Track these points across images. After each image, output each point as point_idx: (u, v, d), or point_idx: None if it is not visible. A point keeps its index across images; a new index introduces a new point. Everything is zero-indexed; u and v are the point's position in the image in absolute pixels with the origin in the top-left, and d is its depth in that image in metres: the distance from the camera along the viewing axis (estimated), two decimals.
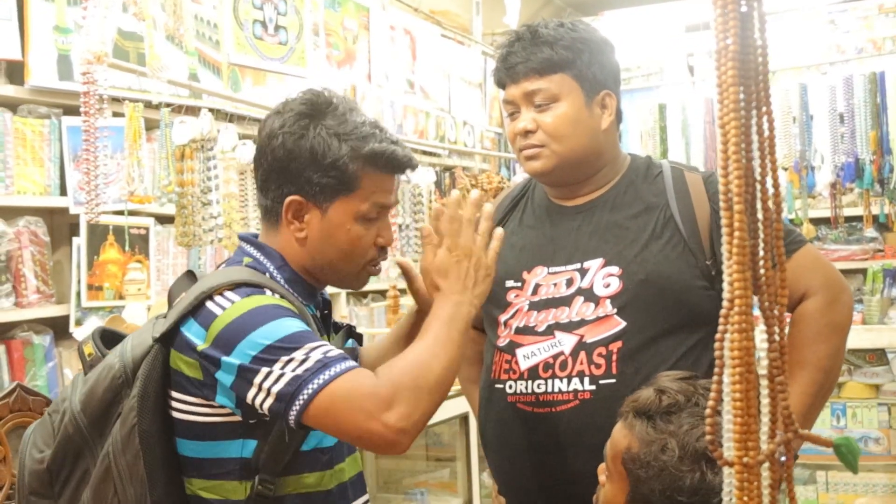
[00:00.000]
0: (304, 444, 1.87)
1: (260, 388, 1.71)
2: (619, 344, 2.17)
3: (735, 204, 1.02)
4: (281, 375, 1.70)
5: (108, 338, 2.00)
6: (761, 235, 1.06)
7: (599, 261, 2.24)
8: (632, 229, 2.26)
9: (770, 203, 1.06)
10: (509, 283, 2.33)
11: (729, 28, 1.00)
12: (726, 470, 1.03)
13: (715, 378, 1.04)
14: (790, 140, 5.44)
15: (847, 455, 1.10)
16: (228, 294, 1.80)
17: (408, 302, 4.42)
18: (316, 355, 1.71)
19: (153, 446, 1.81)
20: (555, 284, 2.27)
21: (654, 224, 2.24)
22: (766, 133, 1.04)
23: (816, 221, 6.00)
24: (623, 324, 2.18)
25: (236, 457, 1.84)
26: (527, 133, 2.29)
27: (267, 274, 1.91)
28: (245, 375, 1.73)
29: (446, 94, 5.49)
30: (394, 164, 1.93)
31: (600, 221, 2.30)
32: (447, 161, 5.85)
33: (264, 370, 1.71)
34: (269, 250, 1.94)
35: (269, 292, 1.82)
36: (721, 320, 1.03)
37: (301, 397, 1.69)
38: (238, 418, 1.81)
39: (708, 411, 1.03)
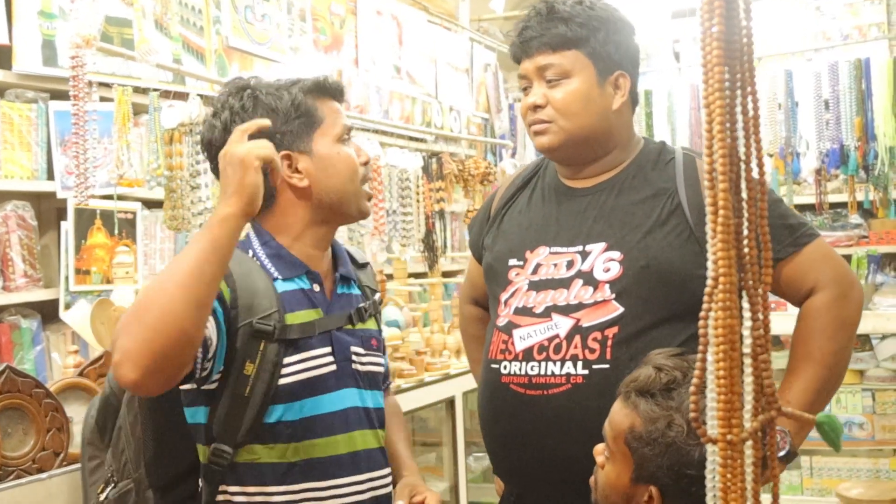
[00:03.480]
0: (267, 417, 1.94)
1: None
2: (614, 329, 2.16)
3: (719, 183, 1.03)
4: None
5: None
6: (745, 215, 1.07)
7: (602, 244, 2.24)
8: (637, 215, 2.25)
9: (755, 182, 1.07)
10: (512, 262, 2.34)
11: (714, 9, 1.02)
12: (710, 447, 1.04)
13: (699, 356, 1.05)
14: (775, 126, 5.46)
15: (830, 433, 1.11)
16: None
17: (395, 287, 4.43)
18: None
19: (150, 410, 1.96)
20: (555, 265, 2.27)
21: (661, 210, 2.23)
22: (751, 113, 1.06)
23: (801, 208, 6.02)
24: (620, 309, 2.17)
25: (201, 423, 1.96)
26: (536, 108, 2.29)
27: (250, 251, 2.01)
28: None
29: (433, 80, 5.48)
30: (332, 88, 2.08)
31: (606, 205, 2.29)
32: (434, 147, 5.85)
33: None
34: (258, 228, 2.06)
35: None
36: (705, 298, 1.04)
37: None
38: (192, 385, 1.92)
39: (692, 388, 1.04)
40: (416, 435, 4.93)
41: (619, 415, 1.77)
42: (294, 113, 1.99)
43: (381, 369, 2.20)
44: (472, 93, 5.87)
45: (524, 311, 2.26)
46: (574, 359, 2.16)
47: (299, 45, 4.30)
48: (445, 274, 5.19)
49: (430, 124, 5.59)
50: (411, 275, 4.81)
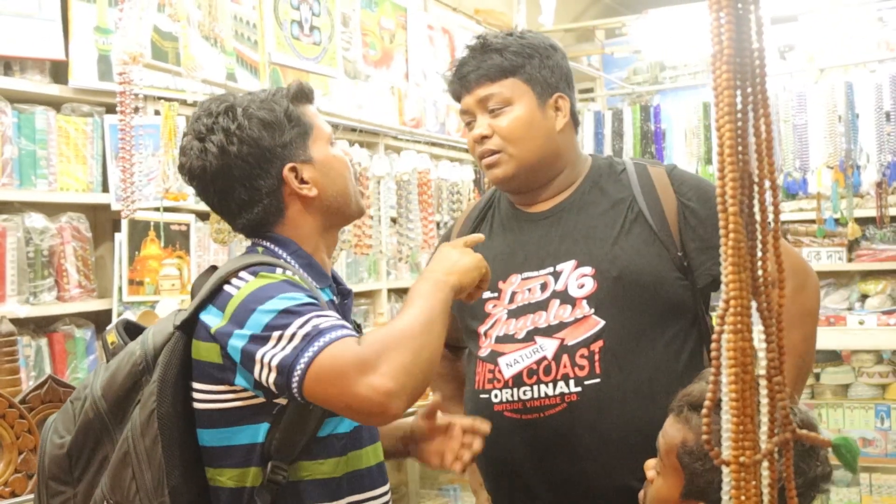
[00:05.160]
0: (320, 431, 1.89)
1: (262, 364, 1.74)
2: (600, 343, 2.17)
3: (729, 206, 1.02)
4: (279, 349, 1.73)
5: (132, 330, 2.03)
6: (759, 237, 1.06)
7: (572, 262, 2.25)
8: (600, 227, 2.28)
9: (768, 205, 1.06)
10: (486, 295, 2.32)
11: (724, 32, 1.01)
12: (724, 469, 1.03)
13: (712, 378, 1.04)
14: (836, 139, 5.37)
15: (846, 455, 1.10)
16: (242, 274, 1.85)
17: None
18: (307, 328, 1.73)
19: (172, 431, 1.83)
20: (529, 290, 2.28)
21: (623, 220, 2.26)
22: (764, 136, 1.05)
23: (862, 221, 5.93)
24: (602, 322, 2.18)
25: (254, 442, 1.86)
26: (483, 139, 2.31)
27: (282, 260, 1.95)
28: (249, 354, 1.76)
29: None
30: (309, 93, 2.05)
31: (568, 223, 2.31)
32: None
33: (263, 347, 1.74)
34: (280, 238, 1.99)
35: (280, 270, 1.87)
36: (717, 321, 1.03)
37: (298, 369, 1.71)
38: (261, 399, 1.83)
39: (704, 411, 1.04)
40: None
41: (672, 429, 1.77)
42: (288, 123, 1.96)
43: None
44: None
45: (506, 339, 2.26)
46: (565, 378, 2.17)
47: (351, 59, 4.33)
48: None
49: None
50: None
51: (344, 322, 1.78)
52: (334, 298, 2.03)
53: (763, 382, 1.04)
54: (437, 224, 4.25)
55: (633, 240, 2.24)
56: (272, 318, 1.75)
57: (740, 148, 1.03)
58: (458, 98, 2.39)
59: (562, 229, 2.31)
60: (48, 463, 1.92)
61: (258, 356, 1.74)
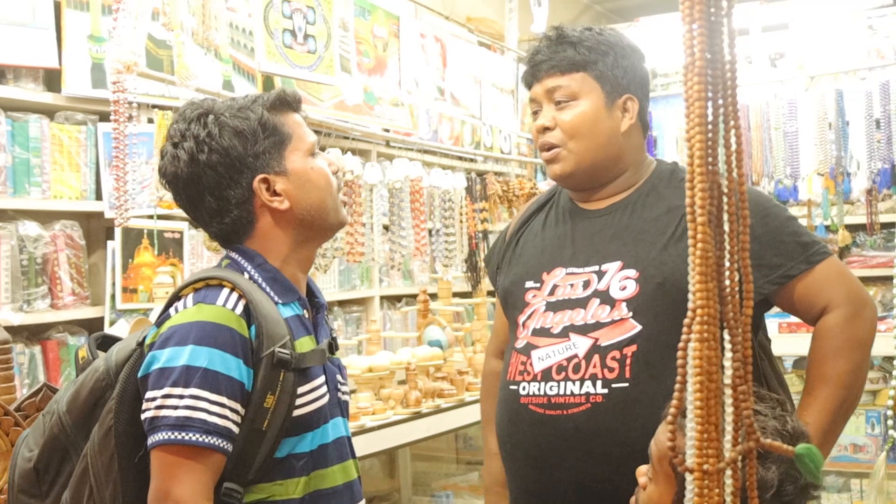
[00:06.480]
0: (278, 451, 1.87)
1: (146, 399, 1.79)
2: (633, 347, 2.15)
3: (698, 216, 1.05)
4: (154, 402, 1.78)
5: (108, 344, 2.03)
6: (727, 247, 1.08)
7: (618, 263, 2.24)
8: (651, 232, 2.25)
9: (737, 215, 1.08)
10: (528, 284, 2.35)
11: (696, 43, 1.03)
12: (687, 477, 1.05)
13: (677, 386, 1.06)
14: (826, 146, 5.38)
15: (809, 464, 1.11)
16: (187, 299, 1.86)
17: (438, 307, 4.46)
18: (184, 411, 1.75)
19: (129, 449, 1.83)
20: (571, 285, 2.27)
21: (675, 227, 2.22)
22: (734, 147, 1.07)
23: (853, 228, 5.96)
24: (638, 327, 2.16)
25: None
26: (545, 130, 2.32)
27: (245, 274, 1.94)
28: (143, 381, 1.80)
29: (477, 101, 5.50)
30: (292, 100, 2.02)
31: (620, 224, 2.30)
32: (482, 167, 5.88)
33: (153, 391, 1.78)
34: (247, 251, 1.97)
35: (226, 293, 1.85)
36: (684, 329, 1.05)
37: (154, 436, 1.76)
38: None
39: (669, 418, 1.06)
40: (461, 454, 4.96)
41: (664, 436, 1.77)
42: (262, 133, 1.93)
43: (349, 399, 2.16)
44: (516, 113, 5.87)
45: (542, 332, 2.26)
46: (593, 378, 2.15)
47: (347, 67, 4.34)
48: (491, 294, 5.21)
49: (479, 145, 5.62)
50: (456, 294, 4.83)
51: (221, 424, 1.78)
52: (302, 313, 2.00)
53: (728, 392, 1.06)
54: (430, 231, 4.26)
55: (682, 248, 2.19)
56: (170, 366, 1.78)
57: (710, 159, 1.06)
58: (528, 86, 2.40)
59: (613, 229, 2.31)
60: (17, 476, 1.93)
61: (148, 392, 1.79)
